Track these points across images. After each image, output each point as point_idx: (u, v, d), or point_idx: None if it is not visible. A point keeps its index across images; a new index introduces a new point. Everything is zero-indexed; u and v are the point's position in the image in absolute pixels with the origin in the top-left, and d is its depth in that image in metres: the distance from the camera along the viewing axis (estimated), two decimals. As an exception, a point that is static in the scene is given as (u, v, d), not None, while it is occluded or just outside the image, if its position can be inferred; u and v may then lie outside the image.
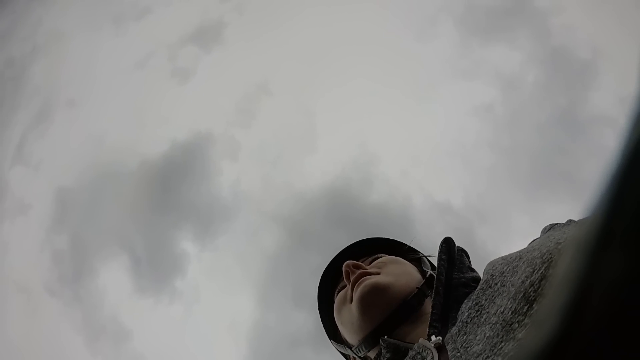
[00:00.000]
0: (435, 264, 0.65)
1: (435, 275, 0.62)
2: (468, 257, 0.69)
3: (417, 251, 0.83)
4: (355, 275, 0.71)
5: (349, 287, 0.72)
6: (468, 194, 4.73)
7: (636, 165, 0.11)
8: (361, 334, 0.68)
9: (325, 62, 6.12)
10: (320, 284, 0.85)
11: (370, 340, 0.67)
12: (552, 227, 0.56)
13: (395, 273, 0.70)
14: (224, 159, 6.09)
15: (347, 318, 0.71)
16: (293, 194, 5.44)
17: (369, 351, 0.69)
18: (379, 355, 0.64)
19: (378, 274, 0.70)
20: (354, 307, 0.68)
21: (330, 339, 0.82)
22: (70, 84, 7.11)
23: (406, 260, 0.77)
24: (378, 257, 0.78)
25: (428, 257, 0.81)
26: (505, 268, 0.48)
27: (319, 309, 0.84)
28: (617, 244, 0.11)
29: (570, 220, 0.56)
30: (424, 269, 0.77)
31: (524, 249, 0.51)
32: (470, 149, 4.95)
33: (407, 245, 0.84)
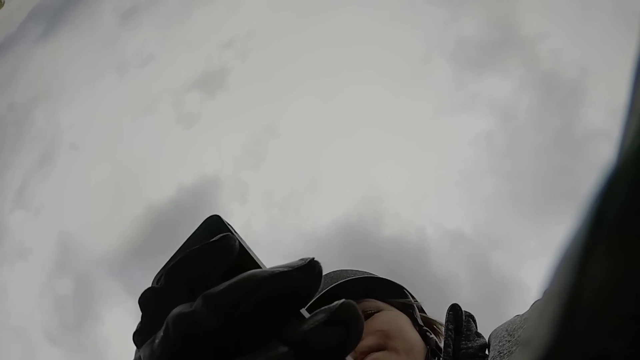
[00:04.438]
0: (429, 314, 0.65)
1: (436, 340, 0.62)
2: (475, 322, 0.66)
3: (407, 295, 0.73)
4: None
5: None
6: (477, 221, 4.71)
7: (617, 175, 0.12)
8: None
9: (328, 104, 6.24)
10: None
11: None
12: None
13: (403, 347, 0.61)
14: (233, 202, 6.04)
15: None
16: (304, 233, 5.40)
17: None
18: None
19: (382, 347, 0.60)
20: None
21: None
22: (73, 129, 7.25)
23: (396, 308, 0.69)
24: (367, 305, 0.67)
25: (420, 303, 0.73)
26: (513, 348, 0.48)
27: None
28: (601, 253, 0.11)
29: None
30: (419, 322, 0.68)
31: (527, 315, 0.52)
32: (474, 177, 4.97)
33: (399, 287, 0.74)
